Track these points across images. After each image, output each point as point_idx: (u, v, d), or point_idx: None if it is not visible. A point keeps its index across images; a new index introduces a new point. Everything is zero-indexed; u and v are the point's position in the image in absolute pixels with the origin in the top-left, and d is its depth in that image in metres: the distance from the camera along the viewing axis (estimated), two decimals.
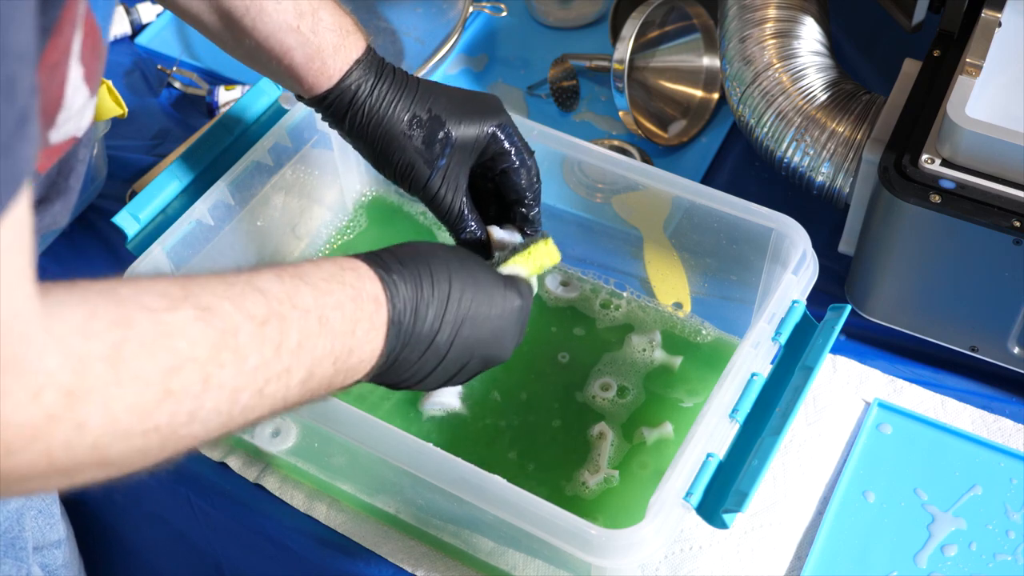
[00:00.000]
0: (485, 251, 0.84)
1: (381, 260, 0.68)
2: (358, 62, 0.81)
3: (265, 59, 0.81)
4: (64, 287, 0.50)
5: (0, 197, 0.43)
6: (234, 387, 0.55)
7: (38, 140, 0.45)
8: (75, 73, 0.58)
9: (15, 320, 0.45)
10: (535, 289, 0.79)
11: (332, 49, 0.81)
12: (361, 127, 0.82)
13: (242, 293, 0.57)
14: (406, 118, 0.82)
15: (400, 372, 0.69)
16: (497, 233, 0.84)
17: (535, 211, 0.85)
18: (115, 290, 0.51)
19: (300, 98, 0.84)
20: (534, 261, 0.80)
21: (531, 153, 0.85)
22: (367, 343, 0.65)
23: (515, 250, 0.80)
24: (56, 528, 0.98)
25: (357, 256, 0.68)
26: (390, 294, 0.66)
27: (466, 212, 0.83)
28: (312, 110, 0.99)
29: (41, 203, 0.75)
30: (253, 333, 0.56)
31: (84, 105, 0.62)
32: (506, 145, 0.83)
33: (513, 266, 0.79)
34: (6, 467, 0.47)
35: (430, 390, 0.74)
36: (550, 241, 0.82)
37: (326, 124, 1.01)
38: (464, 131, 0.82)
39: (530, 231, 0.85)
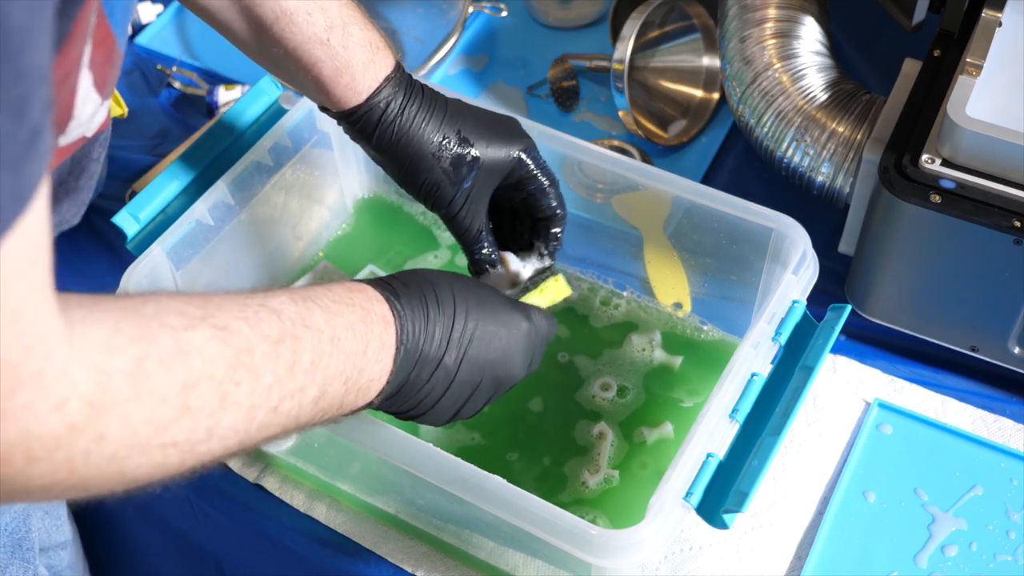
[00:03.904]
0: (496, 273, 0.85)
1: (387, 284, 0.69)
2: (387, 79, 0.80)
3: (292, 69, 0.80)
4: (87, 301, 0.51)
5: (4, 214, 0.43)
6: (250, 405, 0.56)
7: (49, 155, 0.45)
8: (85, 82, 0.58)
9: (36, 336, 0.46)
10: (555, 322, 0.79)
11: (362, 65, 0.79)
12: (389, 145, 0.81)
13: (256, 314, 0.58)
14: (435, 139, 0.81)
15: (411, 395, 0.70)
16: (512, 262, 0.85)
17: (562, 231, 0.86)
18: (138, 308, 0.52)
19: (326, 110, 0.83)
20: (545, 297, 0.83)
21: (554, 175, 0.85)
22: (377, 363, 0.66)
23: (527, 288, 0.83)
24: (63, 530, 0.98)
25: (363, 280, 0.69)
26: (397, 314, 0.67)
27: (484, 234, 0.84)
28: (311, 110, 0.99)
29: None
30: (268, 352, 0.57)
31: (95, 111, 0.62)
32: (532, 168, 0.84)
33: (525, 301, 0.81)
34: (28, 474, 0.48)
35: (442, 423, 0.74)
36: (560, 278, 0.84)
37: (326, 124, 1.01)
38: (491, 154, 0.82)
39: (553, 251, 0.86)
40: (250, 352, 0.56)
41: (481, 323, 0.72)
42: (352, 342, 0.63)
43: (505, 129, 0.83)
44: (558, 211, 0.85)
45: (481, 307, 0.72)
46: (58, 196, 0.75)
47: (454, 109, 0.82)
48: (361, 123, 0.81)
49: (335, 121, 0.84)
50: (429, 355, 0.69)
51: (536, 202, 0.84)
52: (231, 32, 0.81)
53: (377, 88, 0.80)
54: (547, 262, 0.86)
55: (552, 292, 0.84)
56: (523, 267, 0.86)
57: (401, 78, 0.81)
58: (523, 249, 0.87)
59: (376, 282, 0.69)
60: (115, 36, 0.62)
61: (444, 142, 0.81)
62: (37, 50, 0.43)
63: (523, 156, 0.83)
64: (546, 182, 0.84)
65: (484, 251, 0.84)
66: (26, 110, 0.43)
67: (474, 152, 0.81)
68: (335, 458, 0.94)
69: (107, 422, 0.49)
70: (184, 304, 0.55)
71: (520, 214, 0.87)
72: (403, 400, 0.70)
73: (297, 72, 0.80)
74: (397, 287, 0.69)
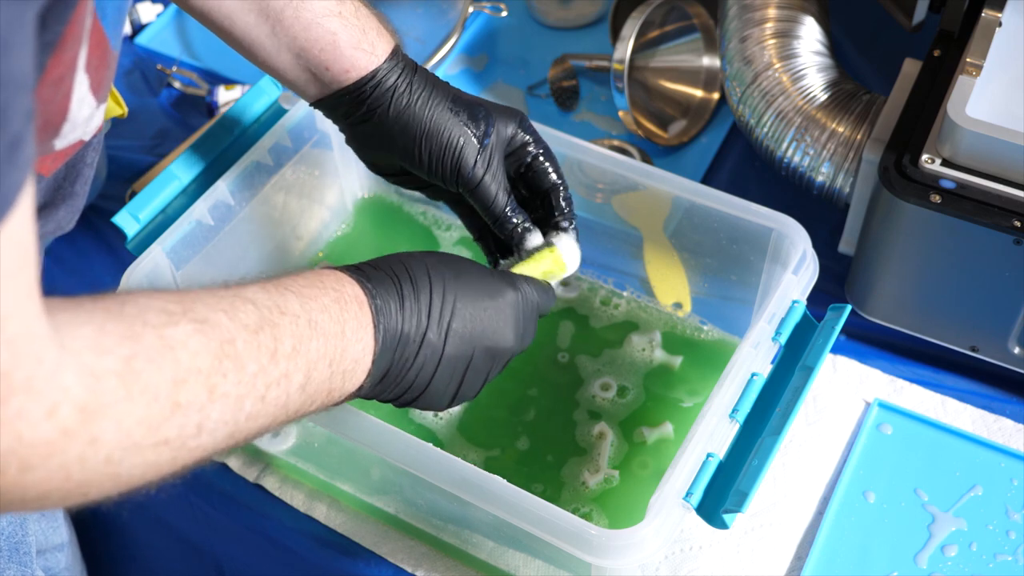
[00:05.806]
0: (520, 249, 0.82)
1: (356, 267, 0.70)
2: (397, 47, 0.81)
3: (305, 53, 0.79)
4: (70, 304, 0.50)
5: None
6: (237, 395, 0.56)
7: (31, 162, 0.45)
8: (81, 85, 0.58)
9: (25, 341, 0.46)
10: (552, 292, 0.78)
11: (376, 31, 0.80)
12: (408, 105, 0.80)
13: (233, 304, 0.58)
14: (451, 96, 0.81)
15: (401, 377, 0.69)
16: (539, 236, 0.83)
17: (568, 196, 0.84)
18: (120, 308, 0.52)
19: (322, 104, 0.82)
20: (538, 266, 0.80)
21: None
22: (357, 342, 0.66)
23: (519, 259, 0.81)
24: (59, 532, 0.98)
25: (333, 266, 0.69)
26: (369, 293, 0.67)
27: (512, 199, 0.81)
28: (312, 111, 0.99)
29: (46, 208, 0.75)
30: (249, 341, 0.57)
31: (91, 114, 0.62)
32: (533, 134, 0.83)
33: (516, 272, 0.79)
34: (24, 483, 0.48)
35: (444, 406, 0.73)
36: (555, 249, 0.81)
37: (326, 124, 1.01)
38: (498, 117, 0.82)
39: (566, 219, 0.83)
40: (232, 343, 0.56)
41: (461, 295, 0.71)
42: (329, 323, 0.63)
43: (494, 105, 0.83)
44: (561, 178, 0.84)
45: (460, 279, 0.71)
46: (55, 202, 0.75)
47: (446, 84, 0.83)
48: (379, 88, 0.80)
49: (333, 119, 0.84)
50: (411, 332, 0.68)
51: (540, 167, 0.83)
52: (231, 28, 0.80)
53: (394, 49, 0.80)
54: (571, 231, 0.83)
55: (545, 263, 0.81)
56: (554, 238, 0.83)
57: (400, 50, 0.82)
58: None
59: (346, 266, 0.69)
60: (108, 39, 0.61)
61: (457, 99, 0.81)
62: (17, 58, 0.43)
63: (522, 122, 0.83)
64: (543, 148, 0.83)
65: (516, 219, 0.81)
66: (6, 119, 0.42)
67: (485, 109, 0.81)
68: (335, 458, 0.94)
69: (100, 425, 0.49)
70: (163, 301, 0.55)
71: (525, 197, 0.85)
72: (394, 383, 0.69)
73: (310, 51, 0.79)
74: (366, 268, 0.69)
